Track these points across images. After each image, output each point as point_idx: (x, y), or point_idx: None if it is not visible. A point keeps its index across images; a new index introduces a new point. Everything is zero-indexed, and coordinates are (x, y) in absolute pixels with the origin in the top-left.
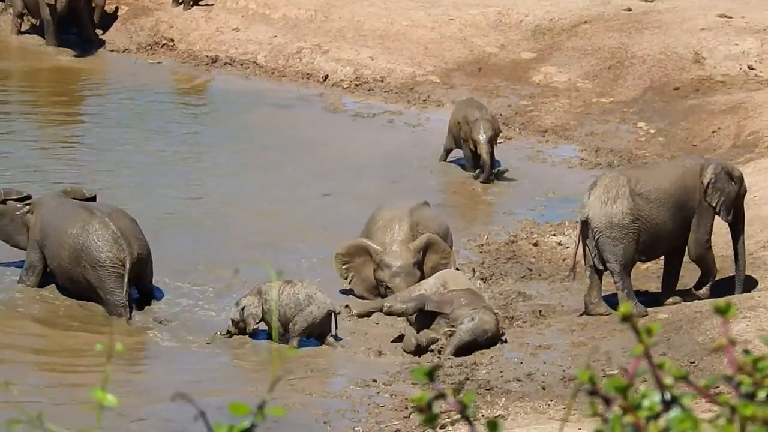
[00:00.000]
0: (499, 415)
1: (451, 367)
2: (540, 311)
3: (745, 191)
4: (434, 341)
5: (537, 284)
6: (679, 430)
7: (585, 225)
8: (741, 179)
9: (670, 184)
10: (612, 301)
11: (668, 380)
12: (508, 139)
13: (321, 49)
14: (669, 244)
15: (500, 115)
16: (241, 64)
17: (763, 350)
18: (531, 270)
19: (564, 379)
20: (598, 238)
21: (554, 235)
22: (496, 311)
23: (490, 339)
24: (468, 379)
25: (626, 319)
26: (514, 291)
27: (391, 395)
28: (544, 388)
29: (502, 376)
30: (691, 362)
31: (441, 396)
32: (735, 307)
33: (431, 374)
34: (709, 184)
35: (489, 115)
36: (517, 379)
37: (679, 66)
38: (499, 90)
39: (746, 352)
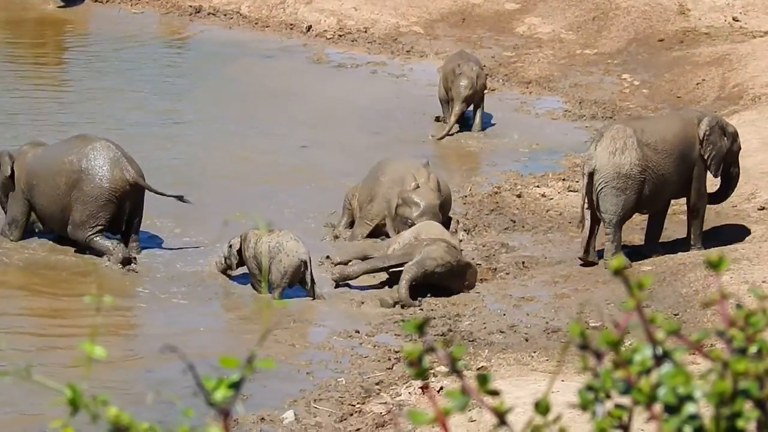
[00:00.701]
0: (482, 366)
1: (435, 318)
2: (523, 263)
3: (739, 148)
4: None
5: (520, 236)
6: (670, 385)
7: (591, 176)
8: (735, 135)
9: (674, 135)
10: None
11: (660, 335)
12: (492, 90)
13: (304, 0)
14: (669, 195)
15: (484, 66)
16: (225, 15)
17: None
18: (514, 221)
19: (547, 330)
20: (602, 189)
21: (538, 186)
22: (458, 250)
23: (447, 269)
24: (451, 331)
25: (618, 272)
26: (497, 242)
27: (374, 346)
28: (527, 340)
29: (485, 328)
30: (675, 314)
31: (431, 349)
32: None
33: (421, 327)
34: (703, 136)
35: (474, 71)
36: (500, 331)
37: (663, 17)
38: (482, 41)
39: (739, 306)
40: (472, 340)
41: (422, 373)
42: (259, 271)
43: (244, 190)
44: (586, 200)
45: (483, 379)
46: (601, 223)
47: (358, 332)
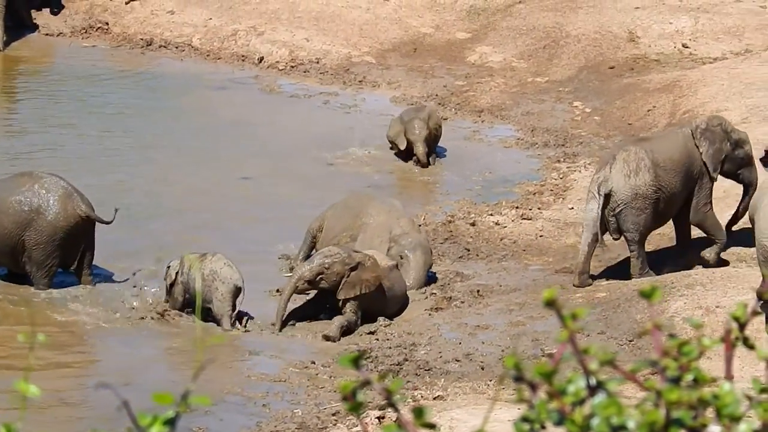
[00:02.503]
0: (439, 396)
1: (390, 348)
2: (478, 291)
3: (746, 155)
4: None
5: (475, 264)
6: (603, 415)
7: (607, 198)
8: (740, 142)
9: (680, 153)
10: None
11: (593, 365)
12: (444, 119)
13: (256, 31)
14: (677, 209)
15: (436, 96)
16: (176, 47)
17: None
18: (468, 250)
19: (503, 359)
20: (621, 210)
21: (491, 214)
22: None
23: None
24: (407, 360)
25: (550, 304)
26: (452, 271)
27: (330, 377)
28: (483, 368)
29: (441, 357)
30: (630, 341)
31: (367, 383)
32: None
33: (357, 361)
34: (697, 128)
35: (426, 114)
36: (456, 360)
37: (613, 45)
38: (434, 70)
39: (672, 336)
40: (428, 369)
41: (357, 408)
42: (191, 296)
43: (196, 221)
44: (596, 222)
45: (419, 413)
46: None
47: (314, 363)
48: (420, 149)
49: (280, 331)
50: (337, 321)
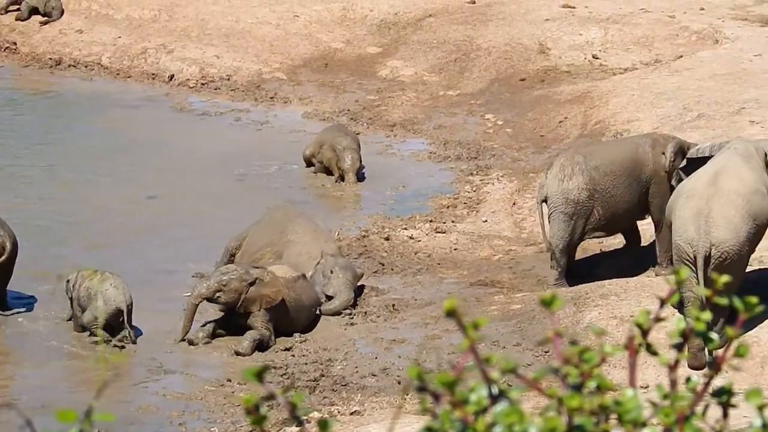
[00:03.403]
0: (356, 411)
1: (306, 364)
2: (393, 305)
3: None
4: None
5: (390, 278)
6: (505, 423)
7: (542, 205)
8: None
9: (623, 158)
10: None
11: (495, 374)
12: (357, 134)
13: (166, 49)
14: (629, 216)
15: (347, 110)
16: (86, 66)
17: (617, 337)
18: (383, 264)
19: (427, 372)
20: (551, 214)
21: (405, 228)
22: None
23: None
24: (323, 376)
25: (451, 314)
26: (367, 286)
27: (253, 395)
28: (399, 383)
29: (357, 372)
30: (546, 351)
31: (271, 397)
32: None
33: (260, 375)
34: (672, 167)
35: (356, 144)
36: (373, 374)
37: (524, 57)
38: (345, 85)
39: (573, 343)
40: (345, 385)
41: (260, 422)
42: (82, 312)
43: (106, 241)
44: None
45: (323, 425)
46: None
47: (230, 381)
48: (351, 179)
49: (189, 343)
50: (249, 336)
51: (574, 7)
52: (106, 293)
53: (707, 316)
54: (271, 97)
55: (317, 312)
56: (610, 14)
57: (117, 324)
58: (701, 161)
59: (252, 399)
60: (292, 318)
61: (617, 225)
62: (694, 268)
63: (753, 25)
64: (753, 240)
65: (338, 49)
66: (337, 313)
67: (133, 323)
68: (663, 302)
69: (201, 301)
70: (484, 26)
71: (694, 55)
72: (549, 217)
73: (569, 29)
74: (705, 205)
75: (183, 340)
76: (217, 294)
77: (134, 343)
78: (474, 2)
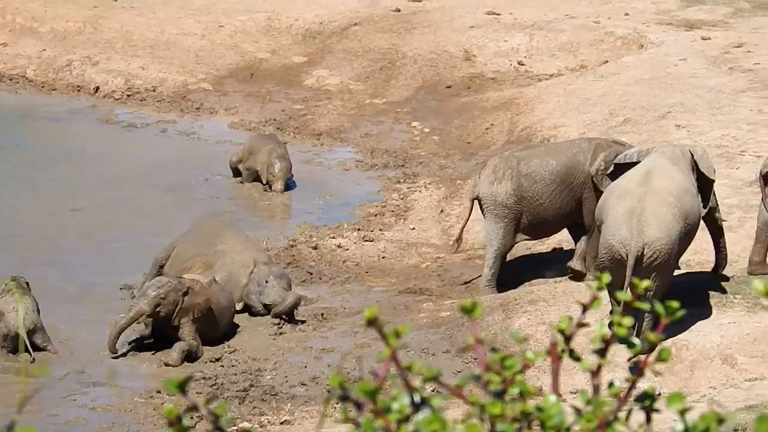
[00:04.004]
0: (286, 420)
1: (236, 374)
2: (322, 314)
3: None
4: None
5: (318, 287)
6: (427, 431)
7: (473, 203)
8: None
9: (559, 165)
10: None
11: (417, 382)
12: (284, 143)
13: (91, 61)
14: (558, 224)
15: (274, 120)
16: (11, 79)
17: (546, 343)
18: (311, 273)
19: (349, 381)
20: (484, 215)
21: (333, 237)
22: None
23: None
24: (253, 386)
25: (371, 323)
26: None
27: (176, 406)
28: (329, 392)
29: (287, 381)
30: (475, 358)
31: (193, 408)
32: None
33: (182, 386)
34: (597, 171)
35: (286, 153)
36: (302, 384)
37: (450, 64)
38: (272, 95)
39: (494, 350)
40: (275, 395)
41: None
42: None
43: (31, 254)
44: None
45: None
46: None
47: (160, 392)
48: (279, 187)
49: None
50: (178, 347)
51: (499, 14)
52: (7, 317)
53: (629, 321)
54: (197, 108)
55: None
56: (535, 21)
57: (23, 345)
58: (628, 167)
59: (174, 411)
60: (217, 324)
61: (545, 230)
62: (622, 266)
63: (678, 29)
64: (684, 240)
65: (264, 59)
66: (290, 312)
67: (62, 336)
68: (585, 308)
69: (143, 317)
70: (409, 34)
71: (620, 61)
72: (484, 218)
73: (494, 36)
74: (638, 204)
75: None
76: (158, 308)
77: (56, 353)
78: (399, 10)
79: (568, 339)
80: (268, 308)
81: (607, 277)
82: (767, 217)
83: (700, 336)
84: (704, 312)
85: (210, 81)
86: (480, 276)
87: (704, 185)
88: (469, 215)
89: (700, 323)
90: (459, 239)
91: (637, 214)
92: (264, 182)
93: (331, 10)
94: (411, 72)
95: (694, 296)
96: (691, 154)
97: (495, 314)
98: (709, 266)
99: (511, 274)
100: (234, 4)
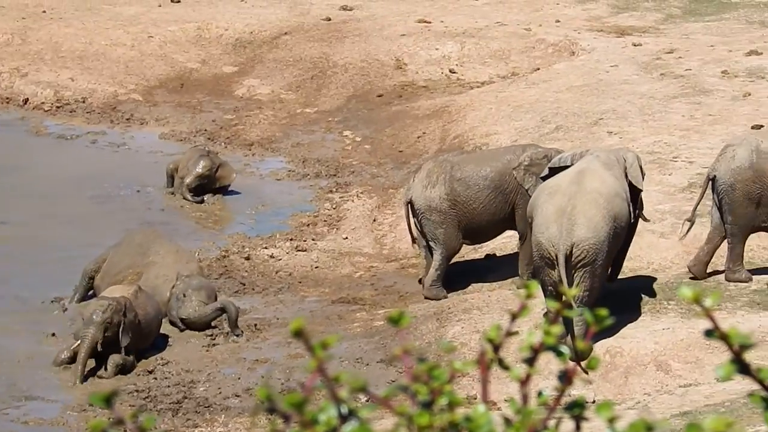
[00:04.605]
0: None
1: (169, 386)
2: (255, 325)
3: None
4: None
5: (251, 298)
6: None
7: (407, 206)
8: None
9: (492, 170)
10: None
11: (344, 393)
12: (216, 154)
13: (19, 73)
14: (494, 229)
15: (205, 131)
16: None
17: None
18: (244, 284)
19: (283, 392)
20: (420, 220)
21: (266, 247)
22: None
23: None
24: (186, 398)
25: (298, 334)
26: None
27: (109, 419)
28: (263, 403)
29: (220, 393)
30: (410, 367)
31: (120, 422)
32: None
33: (109, 400)
34: (520, 165)
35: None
36: (236, 395)
37: (381, 73)
38: (202, 105)
39: (421, 360)
40: (208, 406)
41: None
42: None
43: None
44: (414, 229)
45: None
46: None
47: (92, 405)
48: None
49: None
50: (112, 361)
51: (429, 22)
52: None
53: (557, 329)
54: (128, 119)
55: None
56: (466, 28)
57: None
58: (562, 170)
59: (100, 424)
60: (146, 334)
61: (481, 235)
62: (552, 265)
63: (609, 36)
64: (613, 241)
65: (194, 69)
66: (208, 324)
67: None
68: (514, 316)
69: (96, 344)
70: (340, 43)
71: (551, 68)
72: (419, 221)
73: (425, 44)
74: (568, 203)
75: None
76: (106, 333)
77: None
78: (329, 19)
79: (497, 348)
80: (184, 322)
81: (535, 285)
82: (718, 219)
83: (635, 343)
84: (638, 318)
85: (140, 92)
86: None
87: (633, 194)
88: (408, 217)
89: (634, 330)
90: (414, 238)
91: (567, 213)
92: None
93: (261, 20)
94: (342, 81)
95: (628, 302)
96: (625, 159)
97: (429, 323)
98: (643, 272)
99: (445, 281)
100: (163, 14)
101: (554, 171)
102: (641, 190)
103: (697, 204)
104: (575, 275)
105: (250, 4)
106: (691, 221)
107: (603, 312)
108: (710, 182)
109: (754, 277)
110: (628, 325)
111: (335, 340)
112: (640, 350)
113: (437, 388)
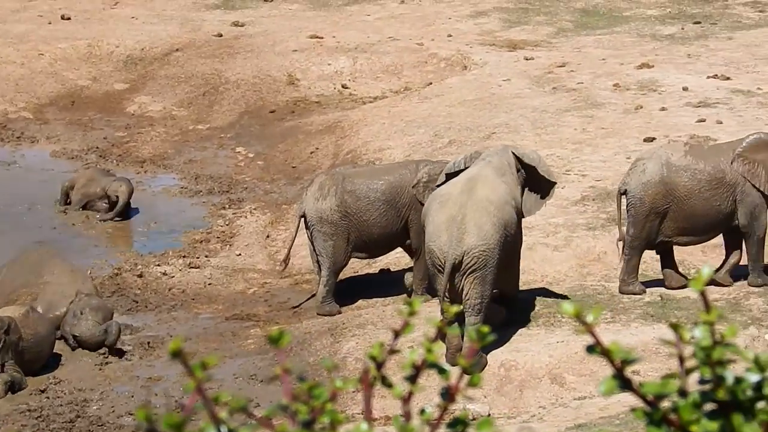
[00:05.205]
0: None
1: (61, 405)
2: (149, 343)
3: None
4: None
5: (144, 316)
6: None
7: (301, 219)
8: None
9: (384, 183)
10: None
11: (223, 413)
12: (108, 171)
13: None
14: (388, 242)
15: (96, 148)
16: None
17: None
18: (137, 302)
19: (177, 409)
20: (312, 233)
21: (159, 265)
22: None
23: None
24: (79, 417)
25: (176, 355)
26: (121, 324)
27: None
28: (142, 424)
29: (113, 411)
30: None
31: None
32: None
33: None
34: (419, 182)
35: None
36: (129, 413)
37: (273, 89)
38: (93, 123)
39: (301, 379)
40: (101, 425)
41: None
42: None
43: None
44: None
45: None
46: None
47: None
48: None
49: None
50: (0, 380)
51: (322, 38)
52: None
53: (438, 346)
54: (18, 137)
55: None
56: (359, 43)
57: None
58: (458, 175)
59: None
60: (37, 353)
61: (374, 249)
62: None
63: (501, 50)
64: (503, 250)
65: (85, 87)
66: (100, 344)
67: None
68: (397, 334)
69: None
70: (232, 59)
71: (444, 82)
72: (311, 233)
73: (318, 60)
74: (458, 211)
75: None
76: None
77: None
78: (221, 35)
79: (380, 365)
80: (77, 340)
81: (418, 303)
82: (626, 232)
83: (529, 356)
84: (533, 332)
85: (30, 109)
86: (314, 296)
87: (546, 187)
88: (296, 233)
89: (528, 343)
90: (287, 259)
91: (458, 221)
92: (100, 209)
93: (152, 36)
94: (234, 97)
95: (523, 316)
96: (520, 158)
97: (323, 339)
98: (537, 285)
99: (339, 296)
100: (54, 31)
101: (450, 177)
102: (555, 183)
103: (619, 220)
104: (467, 282)
105: (141, 20)
106: (622, 239)
107: (485, 328)
108: (622, 196)
109: (647, 289)
110: (523, 338)
111: (215, 360)
112: (535, 363)
113: (318, 407)
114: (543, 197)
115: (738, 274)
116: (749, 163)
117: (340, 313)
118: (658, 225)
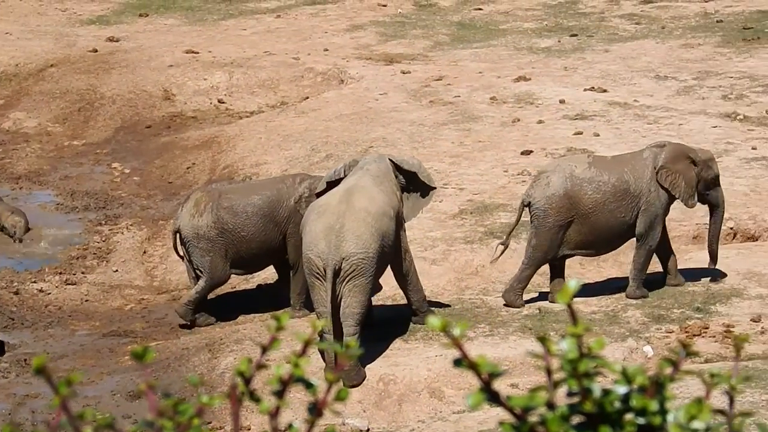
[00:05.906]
0: None
1: None
2: (25, 360)
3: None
4: None
5: (20, 333)
6: None
7: (175, 235)
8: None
9: (261, 199)
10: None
11: (89, 430)
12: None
13: None
14: (267, 256)
15: None
16: None
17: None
18: (13, 319)
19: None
20: (188, 249)
21: (35, 282)
22: None
23: None
24: None
25: (40, 371)
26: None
27: None
28: None
29: None
30: (183, 399)
31: None
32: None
33: None
34: (301, 197)
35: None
36: None
37: (149, 104)
38: None
39: (167, 395)
40: None
41: None
42: None
43: None
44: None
45: None
46: None
47: None
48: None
49: None
50: None
51: (197, 53)
52: None
53: (304, 361)
54: None
55: None
56: (234, 58)
57: None
58: (339, 183)
59: None
60: None
61: (252, 264)
62: (323, 281)
63: (377, 64)
64: (380, 258)
65: None
66: None
67: None
68: (265, 349)
69: None
70: (107, 74)
71: (320, 96)
72: (187, 249)
73: (194, 74)
74: (336, 221)
75: None
76: None
77: None
78: (96, 51)
79: (248, 381)
80: None
81: (286, 317)
82: (528, 243)
83: (408, 370)
84: (411, 345)
85: None
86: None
87: (424, 191)
88: (176, 248)
89: (407, 357)
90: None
91: (336, 230)
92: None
93: (26, 52)
94: (110, 112)
95: (401, 330)
96: (399, 165)
97: (201, 354)
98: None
99: (216, 311)
100: None
101: (331, 185)
102: (435, 188)
103: (512, 229)
104: (345, 290)
105: (16, 36)
106: (505, 245)
107: (353, 342)
108: (526, 208)
109: (526, 303)
110: (402, 352)
111: (79, 378)
112: (414, 377)
113: (184, 422)
114: (423, 201)
115: (616, 286)
116: (671, 174)
117: (193, 321)
118: (562, 237)
